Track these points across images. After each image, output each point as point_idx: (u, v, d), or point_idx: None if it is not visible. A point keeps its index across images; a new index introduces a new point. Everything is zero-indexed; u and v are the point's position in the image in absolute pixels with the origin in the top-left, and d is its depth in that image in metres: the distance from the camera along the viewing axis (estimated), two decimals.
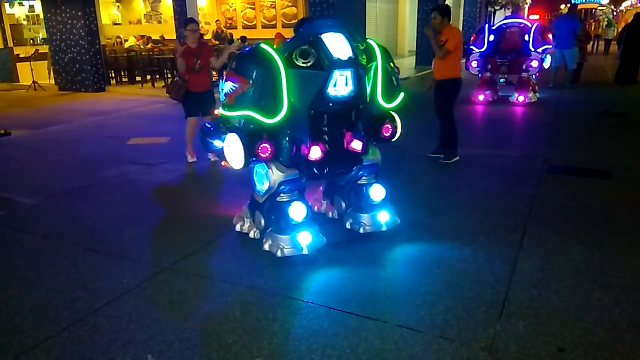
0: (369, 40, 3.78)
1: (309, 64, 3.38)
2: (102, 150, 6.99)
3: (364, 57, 3.63)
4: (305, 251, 3.60)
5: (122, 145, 7.25)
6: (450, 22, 5.83)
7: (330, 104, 3.49)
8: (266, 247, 3.71)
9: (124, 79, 14.30)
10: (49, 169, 6.26)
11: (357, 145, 3.68)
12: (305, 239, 3.61)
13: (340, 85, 3.40)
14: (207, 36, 15.87)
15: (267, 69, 3.36)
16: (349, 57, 3.41)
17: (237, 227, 4.11)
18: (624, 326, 2.78)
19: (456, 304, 3.03)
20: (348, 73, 3.39)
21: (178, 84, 6.00)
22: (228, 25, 17.33)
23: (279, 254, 3.59)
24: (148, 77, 13.51)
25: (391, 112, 3.93)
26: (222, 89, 3.56)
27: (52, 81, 14.03)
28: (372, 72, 3.73)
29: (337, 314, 2.95)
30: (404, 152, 6.60)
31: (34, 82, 13.44)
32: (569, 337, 2.70)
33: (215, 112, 3.86)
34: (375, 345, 2.66)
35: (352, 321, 2.88)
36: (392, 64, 3.88)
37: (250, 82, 3.36)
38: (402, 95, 3.93)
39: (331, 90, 3.40)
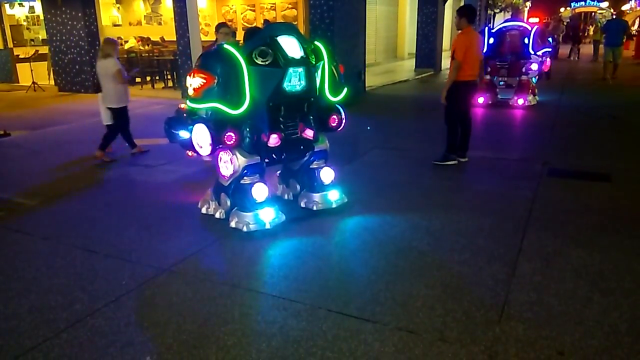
0: (316, 42, 4.25)
1: (267, 62, 3.86)
2: None
3: (313, 57, 4.12)
4: (267, 226, 4.08)
5: (121, 147, 7.23)
6: (471, 25, 5.65)
7: (286, 97, 3.97)
8: (232, 224, 4.14)
9: None
10: (48, 170, 6.24)
11: (309, 133, 4.22)
12: (267, 215, 4.10)
13: (294, 80, 3.92)
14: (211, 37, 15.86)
15: (231, 66, 3.80)
16: (301, 57, 3.95)
17: (203, 210, 4.50)
18: (623, 330, 2.78)
19: (455, 306, 3.02)
20: (301, 70, 3.91)
21: None
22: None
23: (244, 229, 4.05)
24: (148, 78, 13.51)
25: (337, 105, 4.46)
26: (190, 84, 3.90)
27: (52, 82, 14.03)
28: (320, 70, 4.21)
29: (336, 316, 2.95)
30: (405, 154, 6.60)
31: (33, 83, 13.45)
32: (568, 341, 2.69)
33: (182, 105, 4.20)
34: (374, 348, 2.66)
35: (352, 324, 2.88)
36: (335, 64, 4.39)
37: (216, 77, 3.78)
38: (345, 90, 4.46)
39: (286, 85, 3.90)
